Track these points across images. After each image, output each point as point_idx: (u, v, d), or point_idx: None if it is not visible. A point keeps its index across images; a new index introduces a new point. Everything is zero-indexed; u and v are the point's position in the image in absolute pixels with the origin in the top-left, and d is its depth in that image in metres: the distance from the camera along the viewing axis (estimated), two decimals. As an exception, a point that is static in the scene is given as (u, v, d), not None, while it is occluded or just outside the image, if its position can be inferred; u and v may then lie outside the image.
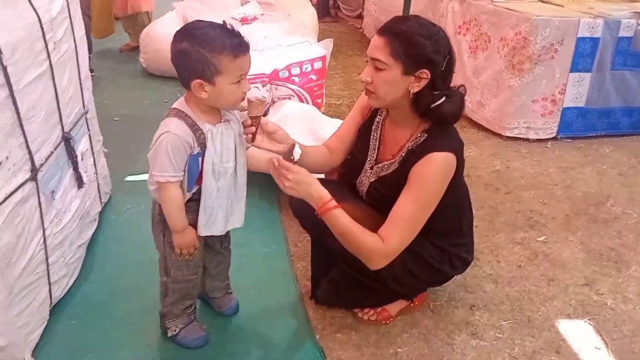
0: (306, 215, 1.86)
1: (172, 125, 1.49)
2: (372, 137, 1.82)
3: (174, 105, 1.54)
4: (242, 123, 1.63)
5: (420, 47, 1.55)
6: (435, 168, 1.60)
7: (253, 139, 1.65)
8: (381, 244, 1.61)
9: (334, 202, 1.61)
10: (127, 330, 1.87)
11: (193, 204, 1.61)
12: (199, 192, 1.58)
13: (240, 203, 1.69)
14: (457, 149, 1.64)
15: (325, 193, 1.61)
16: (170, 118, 1.51)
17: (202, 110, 1.53)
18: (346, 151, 1.90)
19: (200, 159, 1.53)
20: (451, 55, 1.61)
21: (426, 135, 1.65)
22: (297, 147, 1.62)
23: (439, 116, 1.63)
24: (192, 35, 1.43)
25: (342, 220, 1.61)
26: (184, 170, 1.53)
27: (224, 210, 1.64)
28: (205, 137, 1.51)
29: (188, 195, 1.59)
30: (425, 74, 1.57)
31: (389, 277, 1.76)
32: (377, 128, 1.81)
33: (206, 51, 1.40)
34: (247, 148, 1.67)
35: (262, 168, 1.86)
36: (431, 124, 1.67)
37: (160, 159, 1.49)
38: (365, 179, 1.80)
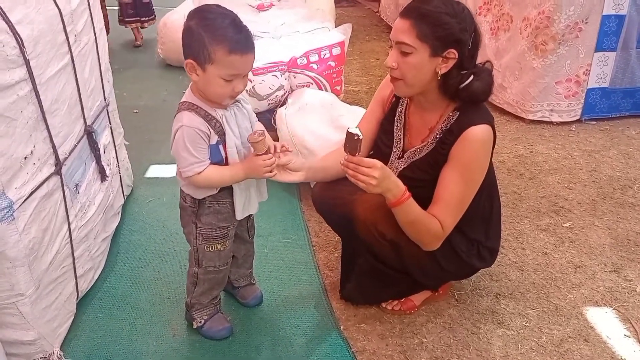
0: (332, 210, 1.85)
1: (184, 118, 1.49)
2: (395, 127, 1.79)
3: (183, 99, 1.54)
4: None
5: (448, 27, 1.51)
6: (477, 144, 1.58)
7: (272, 172, 1.59)
8: (440, 228, 1.61)
9: (407, 191, 1.58)
10: (152, 321, 1.89)
11: (224, 193, 1.61)
12: None
13: (263, 179, 1.69)
14: (491, 120, 1.62)
15: (401, 183, 1.57)
16: (181, 112, 1.51)
17: (209, 97, 1.52)
18: (369, 147, 1.87)
19: (221, 146, 1.53)
20: (477, 32, 1.57)
21: (458, 113, 1.62)
22: (355, 129, 1.47)
23: (470, 96, 1.59)
24: (202, 17, 1.43)
25: (415, 208, 1.59)
26: (209, 158, 1.53)
27: (255, 187, 1.66)
28: (221, 125, 1.51)
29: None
30: (453, 54, 1.54)
31: (417, 269, 1.75)
32: (400, 118, 1.78)
33: (206, 36, 1.40)
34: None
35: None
36: (461, 102, 1.63)
37: (182, 155, 1.50)
38: (392, 170, 1.75)
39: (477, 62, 1.62)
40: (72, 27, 1.83)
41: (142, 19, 5.13)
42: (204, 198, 1.61)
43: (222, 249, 1.70)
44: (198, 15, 1.44)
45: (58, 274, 1.71)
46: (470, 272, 1.89)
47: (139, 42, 5.27)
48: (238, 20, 1.44)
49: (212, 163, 1.54)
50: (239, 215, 1.64)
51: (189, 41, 1.44)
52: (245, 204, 1.65)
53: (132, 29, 5.17)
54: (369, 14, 6.72)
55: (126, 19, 5.06)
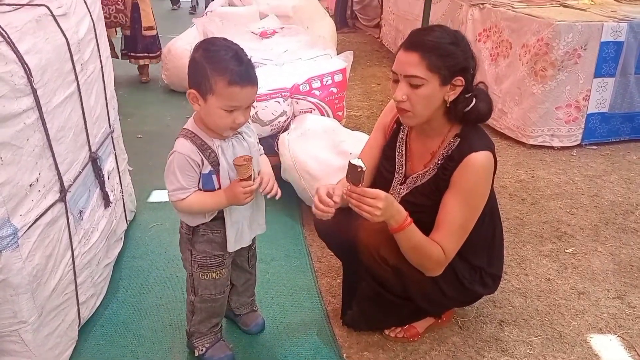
0: (334, 236, 1.86)
1: (178, 145, 1.52)
2: (397, 154, 1.80)
3: (184, 126, 1.56)
4: (260, 189, 1.61)
5: (455, 56, 1.55)
6: (477, 170, 1.60)
7: (274, 193, 1.63)
8: (443, 254, 1.61)
9: (409, 217, 1.59)
10: (154, 349, 1.88)
11: (218, 222, 1.61)
12: (220, 210, 1.59)
13: (260, 211, 1.71)
14: (492, 147, 1.64)
15: (403, 209, 1.59)
16: (178, 139, 1.54)
17: (210, 127, 1.54)
18: (372, 174, 1.88)
19: (214, 176, 1.54)
20: (474, 56, 1.62)
21: (459, 139, 1.64)
22: (357, 160, 1.48)
23: (477, 117, 1.63)
24: (207, 48, 1.46)
25: (416, 234, 1.60)
26: (199, 188, 1.55)
27: (248, 220, 1.66)
28: (216, 155, 1.52)
29: (211, 214, 1.60)
30: (460, 81, 1.57)
31: (420, 295, 1.74)
32: (402, 145, 1.80)
33: (208, 67, 1.42)
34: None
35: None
36: (462, 128, 1.66)
37: (169, 179, 1.53)
38: (395, 195, 1.77)
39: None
40: (79, 56, 1.87)
41: (139, 53, 4.84)
42: (198, 226, 1.62)
43: (217, 277, 1.69)
44: (203, 47, 1.47)
45: (61, 301, 1.70)
46: (473, 298, 1.89)
47: (145, 79, 5.04)
48: (241, 53, 1.46)
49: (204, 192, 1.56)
50: (231, 248, 1.64)
51: (193, 72, 1.47)
52: (237, 237, 1.64)
53: (137, 64, 4.98)
54: (370, 40, 6.82)
55: (122, 51, 4.85)
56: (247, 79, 1.44)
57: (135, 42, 4.79)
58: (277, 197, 1.65)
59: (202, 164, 1.52)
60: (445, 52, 1.54)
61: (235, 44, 1.49)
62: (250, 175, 1.51)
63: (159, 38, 4.92)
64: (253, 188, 1.53)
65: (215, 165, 1.53)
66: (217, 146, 1.52)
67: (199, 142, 1.52)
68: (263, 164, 1.69)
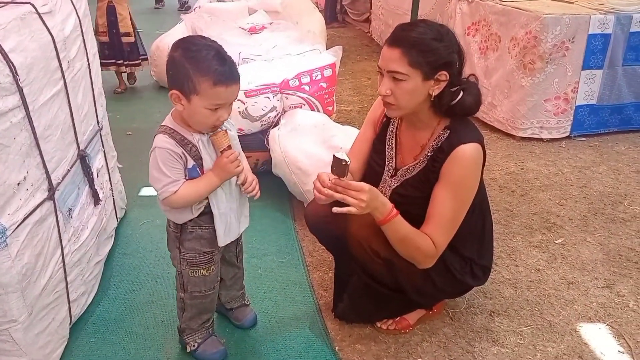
0: (325, 230, 1.86)
1: (157, 141, 1.51)
2: (387, 147, 1.81)
3: (162, 123, 1.55)
4: (243, 187, 1.62)
5: (437, 51, 1.55)
6: (466, 162, 1.61)
7: (255, 193, 1.65)
8: (433, 247, 1.62)
9: (394, 209, 1.60)
10: (146, 345, 1.88)
11: (206, 217, 1.61)
12: (207, 205, 1.59)
13: (245, 202, 1.72)
14: (481, 139, 1.65)
15: (388, 201, 1.60)
16: (157, 136, 1.52)
17: (192, 126, 1.53)
18: (363, 169, 1.89)
19: (199, 169, 1.54)
20: (461, 50, 1.62)
21: (449, 131, 1.65)
22: (341, 154, 1.50)
23: (463, 110, 1.64)
24: (187, 48, 1.44)
25: (404, 225, 1.61)
26: (185, 179, 1.53)
27: (235, 213, 1.66)
28: (197, 149, 1.52)
29: (198, 208, 1.59)
30: (444, 75, 1.58)
31: (411, 287, 1.75)
32: (392, 137, 1.80)
33: (191, 68, 1.41)
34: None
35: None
36: (451, 120, 1.67)
37: (156, 177, 1.51)
38: (385, 188, 1.78)
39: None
40: (66, 54, 1.85)
41: (123, 62, 4.47)
42: (186, 223, 1.61)
43: (207, 274, 1.69)
44: (182, 46, 1.45)
45: (51, 299, 1.70)
46: (464, 290, 1.90)
47: (119, 89, 4.61)
48: (222, 51, 1.46)
49: None
50: (221, 242, 1.63)
51: (174, 72, 1.45)
52: (227, 231, 1.64)
53: (115, 72, 4.55)
54: (360, 34, 6.81)
55: (101, 61, 4.23)
56: (232, 78, 1.44)
57: (114, 49, 4.40)
58: (255, 198, 1.65)
59: (185, 157, 1.51)
60: (426, 47, 1.54)
61: (215, 41, 1.48)
62: (230, 145, 1.53)
63: (140, 43, 4.55)
64: (236, 154, 1.54)
65: (198, 159, 1.53)
66: (197, 140, 1.52)
67: (178, 137, 1.51)
68: (242, 159, 1.68)
